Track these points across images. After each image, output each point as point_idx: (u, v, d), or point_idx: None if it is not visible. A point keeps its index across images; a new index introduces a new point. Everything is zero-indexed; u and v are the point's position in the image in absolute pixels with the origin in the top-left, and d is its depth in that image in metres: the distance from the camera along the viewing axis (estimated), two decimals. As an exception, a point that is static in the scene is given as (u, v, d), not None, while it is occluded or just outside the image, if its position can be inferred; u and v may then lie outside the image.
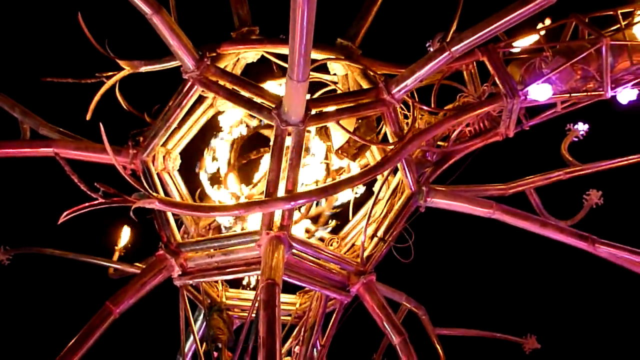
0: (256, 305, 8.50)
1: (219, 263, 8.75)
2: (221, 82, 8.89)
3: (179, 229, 9.48)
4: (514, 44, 9.72)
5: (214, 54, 9.24)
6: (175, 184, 9.66)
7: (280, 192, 8.25)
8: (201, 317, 9.74)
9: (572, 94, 9.41)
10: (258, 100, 8.62)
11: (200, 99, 9.57)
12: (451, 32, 9.55)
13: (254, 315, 8.55)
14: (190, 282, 8.98)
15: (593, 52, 9.19)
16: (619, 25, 9.48)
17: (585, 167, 11.04)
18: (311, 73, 9.52)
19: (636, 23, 9.65)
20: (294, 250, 8.52)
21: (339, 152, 9.15)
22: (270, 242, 8.18)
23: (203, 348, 9.26)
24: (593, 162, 11.26)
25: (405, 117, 9.56)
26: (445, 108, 9.64)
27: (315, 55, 9.49)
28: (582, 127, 11.93)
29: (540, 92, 9.13)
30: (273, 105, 8.34)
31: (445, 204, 9.36)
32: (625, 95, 9.59)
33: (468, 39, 8.17)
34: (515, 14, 7.74)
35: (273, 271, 7.72)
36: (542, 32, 9.71)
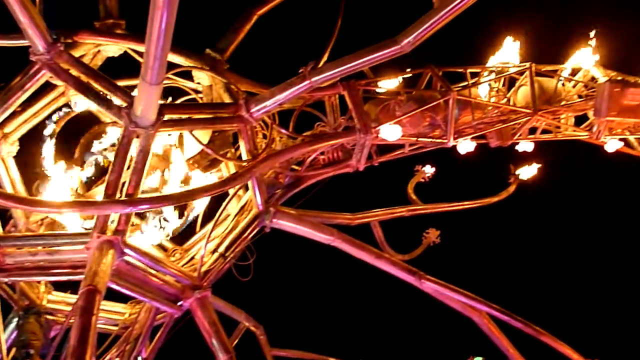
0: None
1: (43, 262, 8.06)
2: (74, 72, 8.33)
3: (7, 222, 8.67)
4: (376, 84, 10.18)
5: (70, 41, 8.66)
6: (7, 171, 8.84)
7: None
8: (15, 319, 8.88)
9: (419, 138, 9.98)
10: (110, 96, 8.18)
11: (53, 86, 8.93)
12: (322, 61, 9.79)
13: (71, 321, 7.94)
14: (6, 280, 8.17)
15: (442, 103, 9.85)
16: (466, 83, 10.29)
17: (426, 207, 11.79)
18: (172, 78, 9.36)
19: (482, 83, 10.54)
20: (126, 258, 8.07)
21: (191, 162, 8.93)
22: (101, 246, 7.68)
23: (12, 354, 8.41)
24: (435, 203, 12.18)
25: (265, 137, 9.60)
26: (304, 134, 9.83)
27: (180, 60, 9.31)
28: (429, 170, 12.86)
29: (390, 132, 9.58)
30: (125, 104, 7.95)
31: (290, 227, 9.43)
32: (464, 146, 10.37)
33: (328, 72, 8.39)
34: (372, 57, 8.08)
35: (97, 277, 7.22)
36: (401, 77, 10.27)
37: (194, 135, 8.39)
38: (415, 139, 9.97)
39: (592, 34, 11.12)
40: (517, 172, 12.51)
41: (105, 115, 8.71)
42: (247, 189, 9.45)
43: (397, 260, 9.54)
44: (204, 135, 8.83)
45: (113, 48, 9.27)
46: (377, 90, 10.20)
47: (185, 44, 9.57)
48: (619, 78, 10.54)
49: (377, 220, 11.13)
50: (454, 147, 10.40)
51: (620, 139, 11.01)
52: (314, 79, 8.41)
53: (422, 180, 12.84)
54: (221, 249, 9.12)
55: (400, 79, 10.19)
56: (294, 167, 10.01)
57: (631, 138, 11.34)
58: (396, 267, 9.47)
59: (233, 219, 9.41)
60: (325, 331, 14.27)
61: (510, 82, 10.88)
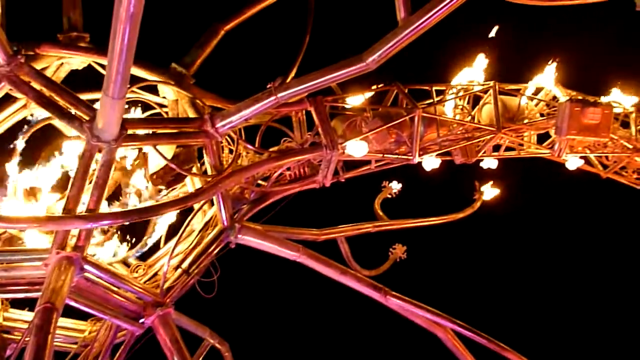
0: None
1: (-1, 279, 7.82)
2: (36, 85, 8.17)
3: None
4: (344, 100, 10.23)
5: (32, 53, 8.51)
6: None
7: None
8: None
9: (385, 155, 10.04)
10: (72, 110, 8.04)
11: (15, 97, 8.75)
12: (290, 77, 9.81)
13: (27, 340, 7.70)
14: (-40, 297, 7.91)
15: (408, 120, 9.94)
16: (432, 100, 10.42)
17: (392, 223, 11.85)
18: (137, 92, 9.26)
19: (447, 100, 10.69)
20: (86, 274, 7.90)
21: (154, 177, 8.81)
22: (60, 262, 7.50)
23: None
24: (402, 219, 12.25)
25: (232, 152, 9.53)
26: (270, 150, 9.80)
27: (144, 74, 9.21)
28: (395, 186, 12.95)
29: (357, 148, 9.62)
30: (87, 118, 7.81)
31: (255, 243, 9.36)
32: (429, 162, 10.47)
33: (294, 88, 8.40)
34: (338, 74, 8.13)
35: (54, 294, 7.04)
36: (368, 94, 10.34)
37: (157, 150, 8.29)
38: (381, 155, 10.02)
39: (553, 56, 11.41)
40: (481, 189, 12.70)
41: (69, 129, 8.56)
42: (212, 204, 9.38)
43: (362, 277, 9.54)
44: (168, 150, 8.74)
45: (77, 61, 9.14)
46: (344, 106, 10.26)
47: (151, 57, 9.52)
48: (579, 97, 10.80)
49: (344, 236, 11.14)
50: (420, 163, 10.53)
51: (581, 157, 11.26)
52: (280, 94, 8.41)
53: (389, 196, 12.95)
54: (185, 265, 8.99)
55: (367, 95, 10.27)
56: (260, 182, 9.98)
57: (591, 156, 11.62)
58: (361, 283, 9.46)
59: (198, 234, 9.30)
60: (292, 348, 14.15)
61: (475, 100, 11.07)
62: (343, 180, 10.33)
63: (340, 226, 11.10)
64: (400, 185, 12.95)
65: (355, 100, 10.32)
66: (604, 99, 11.19)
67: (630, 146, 11.34)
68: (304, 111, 9.93)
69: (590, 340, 15.95)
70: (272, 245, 9.35)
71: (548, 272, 16.34)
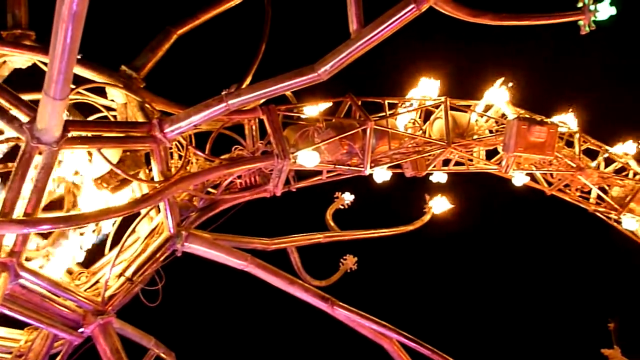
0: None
1: None
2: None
3: None
4: (297, 110, 10.18)
5: (-31, 51, 8.16)
6: None
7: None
8: None
9: (337, 166, 10.02)
10: (13, 110, 7.70)
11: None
12: (245, 85, 9.69)
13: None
14: None
15: (360, 132, 9.94)
16: (384, 113, 10.47)
17: (343, 234, 11.84)
18: (83, 93, 8.97)
19: (399, 114, 10.77)
20: (21, 281, 7.55)
21: (99, 181, 8.52)
22: (-7, 268, 7.15)
23: None
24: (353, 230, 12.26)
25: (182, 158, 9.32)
26: (221, 157, 9.64)
27: (91, 76, 8.94)
28: (348, 197, 12.96)
29: (308, 158, 9.55)
30: (28, 119, 7.50)
31: (202, 251, 9.16)
32: (380, 174, 10.52)
33: (245, 96, 8.30)
34: (289, 83, 8.08)
35: (-15, 302, 6.70)
36: (322, 105, 10.32)
37: (102, 154, 8.02)
38: (332, 166, 9.99)
39: (504, 75, 11.65)
40: (430, 203, 12.83)
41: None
42: (159, 210, 9.14)
43: (309, 287, 9.45)
44: (114, 154, 8.47)
45: (20, 59, 8.79)
46: (298, 116, 10.20)
47: (101, 59, 9.25)
48: (527, 116, 11.04)
49: (294, 245, 11.06)
50: (371, 175, 10.55)
51: (527, 174, 11.51)
52: (231, 102, 8.29)
53: (342, 207, 12.96)
54: (128, 272, 8.73)
55: (320, 106, 10.25)
56: (210, 190, 9.80)
57: (537, 173, 11.89)
58: (309, 294, 9.37)
59: (143, 241, 9.05)
60: (237, 358, 13.92)
61: (427, 115, 11.20)
62: (294, 189, 10.26)
63: (290, 236, 11.03)
64: (352, 197, 13.01)
65: (309, 110, 10.31)
66: (550, 119, 11.49)
67: (574, 165, 11.66)
68: (256, 119, 9.85)
69: (537, 354, 16.32)
70: (219, 254, 9.17)
71: (494, 286, 16.64)
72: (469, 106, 11.23)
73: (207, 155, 9.20)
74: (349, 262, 12.65)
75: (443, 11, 7.88)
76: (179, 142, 9.35)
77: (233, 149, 9.63)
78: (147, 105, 8.82)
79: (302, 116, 10.22)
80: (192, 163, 9.76)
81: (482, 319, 16.36)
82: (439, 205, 12.79)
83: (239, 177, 9.73)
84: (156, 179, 8.64)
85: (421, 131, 10.89)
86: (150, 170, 9.33)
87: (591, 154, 12.24)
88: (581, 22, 8.10)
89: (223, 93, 9.44)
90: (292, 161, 9.47)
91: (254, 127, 9.95)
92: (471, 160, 11.39)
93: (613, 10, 8.10)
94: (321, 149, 9.75)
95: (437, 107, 10.91)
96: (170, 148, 9.32)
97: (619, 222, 12.38)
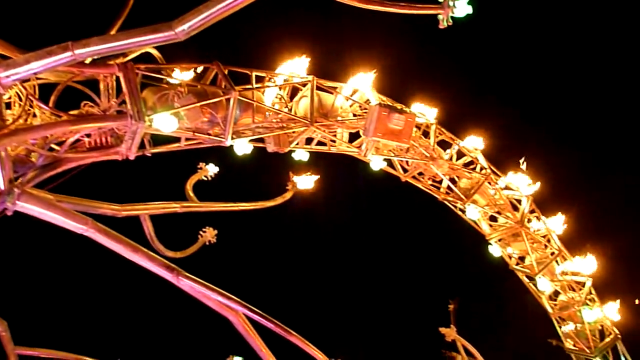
0: None
1: None
2: None
3: None
4: (161, 72, 9.58)
5: None
6: None
7: None
8: None
9: (196, 134, 9.60)
10: None
11: None
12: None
13: None
14: None
15: (224, 101, 9.58)
16: (250, 86, 10.19)
17: (201, 205, 11.47)
18: None
19: (266, 87, 10.54)
20: None
21: None
22: None
23: None
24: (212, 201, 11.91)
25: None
26: (70, 112, 8.85)
27: None
28: (212, 169, 12.57)
29: (165, 123, 9.03)
30: None
31: (37, 212, 8.33)
32: (241, 147, 10.26)
33: (93, 47, 7.60)
34: (143, 39, 7.54)
35: None
36: (186, 70, 9.82)
37: None
38: (192, 133, 9.56)
39: (374, 62, 11.83)
40: (295, 180, 12.83)
41: None
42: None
43: (154, 256, 8.97)
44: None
45: None
46: (161, 78, 9.62)
47: None
48: (388, 103, 11.31)
49: (148, 213, 10.52)
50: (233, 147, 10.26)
51: (385, 159, 11.84)
52: (77, 51, 7.55)
53: (205, 178, 12.56)
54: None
55: (184, 70, 9.73)
56: (54, 147, 8.97)
57: (394, 160, 12.28)
58: (154, 263, 8.88)
59: (-31, 197, 8.06)
60: (78, 328, 13.09)
61: (295, 93, 11.09)
62: (149, 154, 9.67)
63: (144, 203, 10.46)
64: (217, 169, 12.65)
65: (174, 75, 9.76)
66: (410, 109, 11.87)
67: (428, 155, 12.17)
68: (114, 77, 9.15)
69: (382, 334, 17.06)
70: (56, 216, 8.40)
71: (348, 266, 17.16)
72: (335, 88, 11.27)
73: (51, 108, 8.39)
74: (209, 234, 12.33)
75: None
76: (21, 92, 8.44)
77: (82, 104, 8.88)
78: (-21, 46, 7.81)
79: (165, 79, 9.68)
80: (35, 116, 8.88)
81: (332, 297, 16.81)
82: (303, 183, 12.83)
83: (88, 135, 9.01)
84: (-13, 128, 7.72)
85: (287, 108, 10.76)
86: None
87: (445, 146, 12.87)
88: (440, 16, 8.33)
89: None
90: (148, 124, 8.90)
91: (110, 85, 9.26)
92: (334, 141, 11.48)
93: (470, 9, 8.40)
94: (181, 114, 9.28)
95: (304, 85, 10.83)
96: (9, 97, 8.41)
97: (464, 212, 13.18)
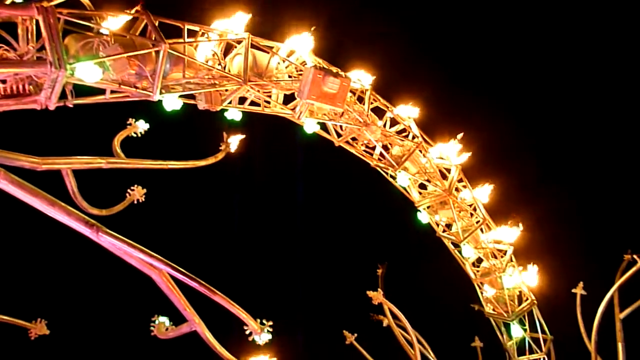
0: None
1: None
2: None
3: None
4: (86, 18, 9.05)
5: None
6: None
7: None
8: None
9: (123, 86, 9.19)
10: None
11: None
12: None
13: None
14: None
15: (153, 54, 9.20)
16: (182, 40, 9.82)
17: (127, 162, 11.05)
18: None
19: (198, 42, 10.19)
20: None
21: None
22: None
23: None
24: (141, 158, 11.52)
25: None
26: (-19, 56, 8.25)
27: None
28: (142, 125, 12.13)
29: (88, 72, 8.58)
30: None
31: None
32: (170, 102, 9.92)
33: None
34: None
35: None
36: (114, 18, 9.33)
37: None
38: (117, 85, 9.14)
39: (312, 24, 11.63)
40: (228, 141, 12.60)
41: None
42: None
43: (72, 210, 8.59)
44: None
45: None
46: (86, 25, 9.10)
47: None
48: (324, 66, 11.20)
49: (70, 168, 10.04)
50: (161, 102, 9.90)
51: (318, 123, 11.79)
52: (-12, -12, 7.00)
53: (134, 134, 12.12)
54: None
55: (111, 18, 9.24)
56: (-36, 92, 8.36)
57: (329, 123, 12.25)
58: (71, 217, 8.51)
59: None
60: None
61: (229, 50, 10.78)
62: (71, 105, 9.15)
63: (67, 157, 9.98)
64: (147, 126, 12.22)
65: (101, 23, 9.26)
66: (346, 73, 11.79)
67: (362, 120, 12.21)
68: (34, 21, 8.57)
69: (310, 296, 17.29)
70: (-36, 165, 7.91)
71: (280, 229, 17.19)
72: (272, 48, 11.03)
73: (-39, 49, 7.78)
74: (137, 193, 11.98)
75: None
76: None
77: (-3, 48, 8.29)
78: None
79: (91, 27, 9.18)
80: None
81: (261, 259, 16.85)
82: (235, 144, 12.62)
83: (4, 82, 8.45)
84: None
85: (220, 65, 10.45)
86: None
87: (380, 113, 12.94)
88: None
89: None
90: (70, 73, 8.41)
91: (30, 29, 8.68)
92: (268, 102, 11.30)
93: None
94: (106, 65, 8.85)
95: (239, 42, 10.54)
96: None
97: (395, 178, 13.39)
